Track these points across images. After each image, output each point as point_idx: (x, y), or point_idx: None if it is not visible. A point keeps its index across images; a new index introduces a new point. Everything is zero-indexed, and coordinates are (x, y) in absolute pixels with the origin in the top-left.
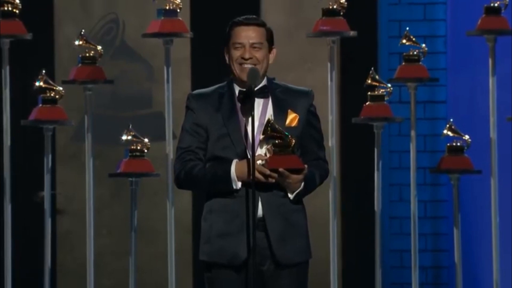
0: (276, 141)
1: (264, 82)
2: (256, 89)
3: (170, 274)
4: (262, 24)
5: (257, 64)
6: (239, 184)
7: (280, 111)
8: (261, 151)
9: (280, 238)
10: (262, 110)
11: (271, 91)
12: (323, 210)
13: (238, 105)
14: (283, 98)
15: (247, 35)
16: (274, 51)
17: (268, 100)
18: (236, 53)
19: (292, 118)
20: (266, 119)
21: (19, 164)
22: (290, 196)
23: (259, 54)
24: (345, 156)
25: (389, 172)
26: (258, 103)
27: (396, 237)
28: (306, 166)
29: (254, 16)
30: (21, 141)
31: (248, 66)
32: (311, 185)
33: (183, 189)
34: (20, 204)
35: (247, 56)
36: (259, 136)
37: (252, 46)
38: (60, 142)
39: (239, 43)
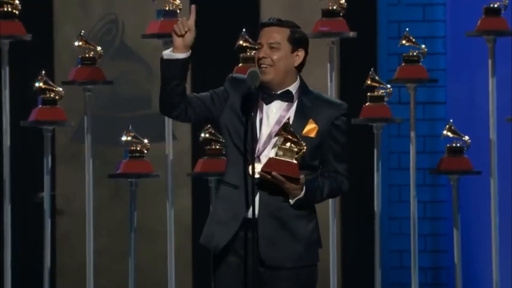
0: (285, 145)
1: (291, 86)
2: (279, 92)
3: (170, 274)
4: (285, 25)
5: (272, 65)
6: (168, 51)
7: (301, 118)
8: (273, 151)
9: (269, 240)
10: (283, 113)
11: (300, 96)
12: (323, 210)
13: (262, 104)
14: (309, 106)
15: (266, 35)
16: (300, 53)
17: (293, 105)
18: (256, 55)
19: (310, 128)
20: (284, 121)
21: (18, 164)
22: (291, 201)
23: (275, 55)
24: None
25: (388, 172)
26: (281, 106)
27: (396, 238)
28: (302, 176)
29: (278, 18)
30: (20, 142)
31: (264, 66)
32: (314, 195)
33: (162, 104)
34: (19, 205)
35: (261, 55)
36: (272, 137)
37: (270, 46)
38: (59, 143)
39: (259, 43)
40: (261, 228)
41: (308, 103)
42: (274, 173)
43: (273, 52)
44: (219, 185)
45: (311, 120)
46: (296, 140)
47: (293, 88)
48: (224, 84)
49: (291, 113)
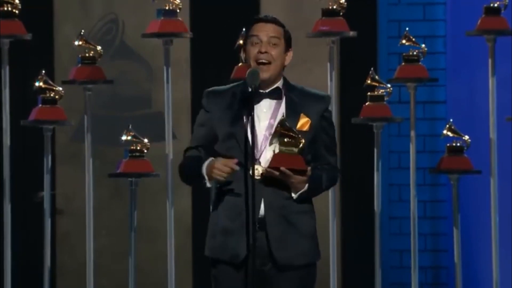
0: (284, 140)
1: (278, 84)
2: (268, 90)
3: (170, 274)
4: (280, 24)
5: (271, 62)
6: (208, 184)
7: (293, 114)
8: (270, 149)
9: (279, 239)
10: (274, 111)
11: (286, 93)
12: (323, 210)
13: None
14: (297, 101)
15: (266, 30)
16: (290, 53)
17: (282, 102)
18: (254, 50)
19: (303, 122)
20: (279, 118)
21: (18, 164)
22: (294, 195)
23: (274, 52)
24: (344, 156)
25: (388, 172)
26: (270, 104)
27: (396, 237)
28: (309, 168)
29: (273, 16)
30: (20, 141)
31: (264, 61)
32: (316, 188)
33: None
34: (19, 204)
35: (263, 50)
36: (267, 137)
37: (269, 41)
38: (59, 142)
39: (256, 36)
40: (269, 228)
41: (295, 99)
42: (282, 168)
43: (273, 49)
44: (216, 196)
45: (302, 114)
46: (294, 134)
47: (279, 85)
48: (202, 102)
49: (282, 110)
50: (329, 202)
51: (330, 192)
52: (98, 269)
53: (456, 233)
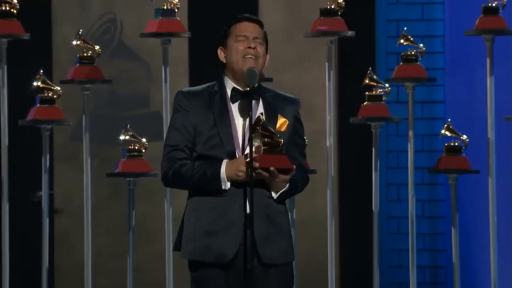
0: (266, 140)
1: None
2: (246, 89)
3: (168, 273)
4: (262, 27)
5: (257, 58)
6: (228, 185)
7: (271, 114)
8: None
9: (264, 237)
10: (253, 111)
11: (262, 93)
12: (321, 209)
13: (230, 104)
14: (273, 103)
15: (250, 29)
16: (268, 56)
17: (259, 102)
18: (240, 46)
19: (282, 123)
20: (256, 117)
21: (17, 163)
22: (274, 195)
23: (260, 49)
24: (343, 156)
25: (387, 172)
26: (248, 103)
27: (394, 237)
28: (294, 167)
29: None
30: (18, 141)
31: (251, 57)
32: (295, 188)
33: (169, 187)
34: (18, 204)
35: (252, 45)
36: (247, 136)
37: (255, 40)
38: (57, 142)
39: (243, 36)
40: (256, 226)
41: (271, 100)
42: (272, 168)
43: (259, 46)
44: (192, 199)
45: (279, 115)
46: (274, 134)
47: (257, 85)
48: (179, 103)
49: (260, 110)
50: (327, 202)
51: (328, 191)
52: (96, 269)
53: (454, 233)
